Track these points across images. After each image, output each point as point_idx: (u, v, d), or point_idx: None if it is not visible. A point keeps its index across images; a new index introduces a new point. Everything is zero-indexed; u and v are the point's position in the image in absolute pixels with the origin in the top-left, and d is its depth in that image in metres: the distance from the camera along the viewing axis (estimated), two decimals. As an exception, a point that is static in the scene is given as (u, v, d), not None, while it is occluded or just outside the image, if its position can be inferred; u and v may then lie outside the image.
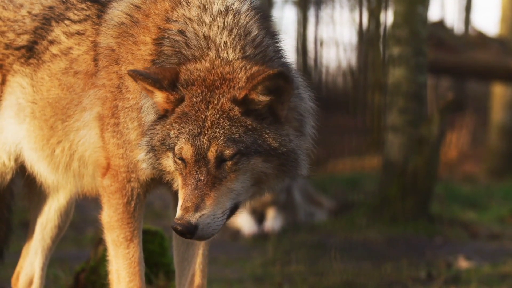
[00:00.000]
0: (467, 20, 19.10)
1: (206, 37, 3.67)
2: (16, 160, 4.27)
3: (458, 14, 20.03)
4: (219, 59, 3.62)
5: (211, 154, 3.52)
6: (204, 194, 3.52)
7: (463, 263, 6.88)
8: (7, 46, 4.20)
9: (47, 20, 4.16)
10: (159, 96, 3.65)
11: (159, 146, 3.64)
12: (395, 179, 8.49)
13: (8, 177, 4.34)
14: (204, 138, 3.52)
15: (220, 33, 3.67)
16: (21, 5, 4.24)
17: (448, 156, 14.72)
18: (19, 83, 4.18)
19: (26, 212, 4.72)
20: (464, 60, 12.05)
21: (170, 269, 5.26)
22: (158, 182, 3.94)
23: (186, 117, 3.57)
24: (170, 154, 3.62)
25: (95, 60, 3.98)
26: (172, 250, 4.19)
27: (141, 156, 3.72)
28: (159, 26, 3.79)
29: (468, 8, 19.38)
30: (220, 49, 3.65)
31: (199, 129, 3.54)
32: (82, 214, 8.28)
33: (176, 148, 3.57)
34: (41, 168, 4.21)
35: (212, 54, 3.64)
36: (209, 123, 3.54)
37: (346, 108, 15.82)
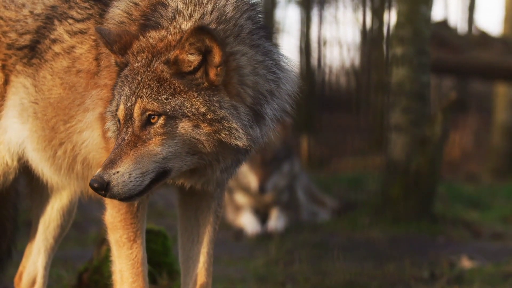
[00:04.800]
0: (470, 20, 19.09)
1: (178, 10, 3.70)
2: (19, 160, 4.27)
3: (461, 13, 20.01)
4: (177, 29, 3.65)
5: (136, 112, 3.55)
6: (123, 153, 3.52)
7: (466, 263, 6.88)
8: (10, 46, 4.20)
9: (50, 19, 4.16)
10: (113, 58, 3.75)
11: (115, 112, 3.69)
12: (398, 178, 8.48)
13: (11, 176, 4.34)
14: (133, 98, 3.56)
15: (189, 7, 3.69)
16: (23, 5, 4.24)
17: (451, 155, 14.71)
18: (22, 84, 4.18)
19: (30, 211, 4.72)
20: (467, 60, 12.03)
21: (173, 268, 5.26)
22: (161, 181, 3.94)
23: (126, 80, 3.63)
24: None
25: (97, 59, 3.99)
26: (175, 249, 4.18)
27: (107, 125, 3.77)
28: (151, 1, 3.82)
29: (471, 8, 19.37)
30: (182, 21, 3.67)
31: (132, 90, 3.58)
32: (85, 214, 8.28)
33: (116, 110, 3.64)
34: (44, 169, 4.21)
35: (175, 24, 3.67)
36: (141, 84, 3.57)
37: (349, 107, 15.81)
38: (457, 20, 19.65)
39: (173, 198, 4.27)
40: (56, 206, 4.64)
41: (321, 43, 16.87)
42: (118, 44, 3.68)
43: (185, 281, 4.12)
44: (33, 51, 4.17)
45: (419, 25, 8.51)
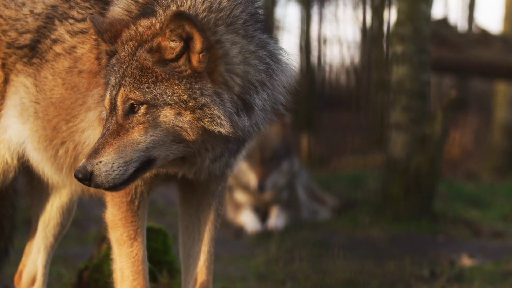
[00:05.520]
0: (470, 18, 19.07)
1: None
2: (19, 159, 4.27)
3: (461, 12, 19.99)
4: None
5: (118, 101, 3.55)
6: (107, 142, 3.53)
7: (466, 261, 6.88)
8: (9, 45, 4.20)
9: (50, 19, 4.16)
10: (104, 46, 3.75)
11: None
12: (398, 177, 8.48)
13: (11, 175, 4.35)
14: (117, 87, 3.57)
15: None
16: (23, 4, 4.23)
17: (451, 154, 14.71)
18: (22, 83, 4.18)
19: (30, 209, 4.72)
20: (468, 58, 12.02)
21: (174, 267, 5.26)
22: (162, 179, 3.95)
23: (112, 69, 3.63)
24: None
25: (98, 58, 3.98)
26: (176, 248, 4.18)
27: (103, 114, 3.77)
28: None
29: (471, 6, 19.35)
30: (174, 8, 3.65)
31: (117, 80, 3.59)
32: (85, 212, 8.29)
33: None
34: (45, 168, 4.21)
35: (167, 12, 3.65)
36: (125, 73, 3.57)
37: (349, 106, 15.83)
38: (457, 18, 19.65)
39: (174, 196, 4.28)
40: (56, 204, 4.65)
41: (321, 41, 16.88)
42: (109, 33, 3.68)
43: (185, 279, 4.12)
44: (33, 51, 4.17)
45: (419, 23, 8.51)
